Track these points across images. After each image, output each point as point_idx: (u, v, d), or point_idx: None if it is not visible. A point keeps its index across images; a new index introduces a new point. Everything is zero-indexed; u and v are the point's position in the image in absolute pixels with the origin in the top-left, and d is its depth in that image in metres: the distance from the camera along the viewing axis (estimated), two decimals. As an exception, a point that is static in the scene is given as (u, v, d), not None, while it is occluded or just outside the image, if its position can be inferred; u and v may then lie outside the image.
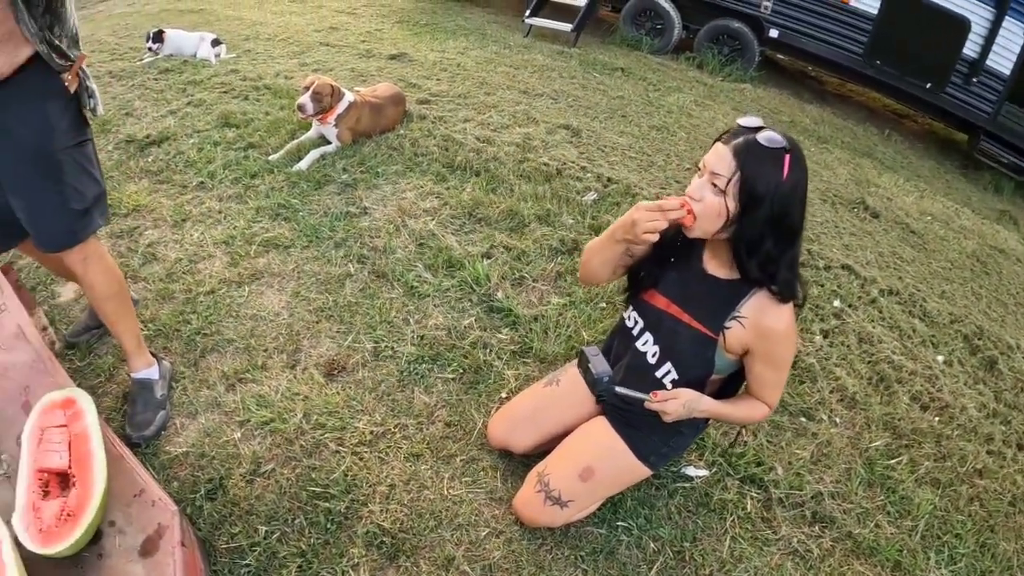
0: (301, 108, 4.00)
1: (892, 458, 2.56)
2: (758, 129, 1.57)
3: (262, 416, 2.34)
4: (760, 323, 1.66)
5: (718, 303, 1.71)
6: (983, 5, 6.98)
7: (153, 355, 2.45)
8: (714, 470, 2.32)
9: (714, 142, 1.62)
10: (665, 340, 1.84)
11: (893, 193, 5.55)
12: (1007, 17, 6.90)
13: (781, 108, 7.14)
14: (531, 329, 2.81)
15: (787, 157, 1.54)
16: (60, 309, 2.87)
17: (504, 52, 7.00)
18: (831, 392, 2.81)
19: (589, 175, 4.19)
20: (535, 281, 3.13)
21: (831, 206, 4.80)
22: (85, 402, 1.87)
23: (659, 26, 8.38)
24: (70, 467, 1.71)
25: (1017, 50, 7.04)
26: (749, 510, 2.23)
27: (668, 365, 1.84)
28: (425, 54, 6.49)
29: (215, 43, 6.16)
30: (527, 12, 8.05)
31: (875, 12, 7.39)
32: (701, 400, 1.78)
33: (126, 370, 2.44)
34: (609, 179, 4.16)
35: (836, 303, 3.43)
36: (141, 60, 5.93)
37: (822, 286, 3.56)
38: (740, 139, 1.55)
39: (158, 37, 6.04)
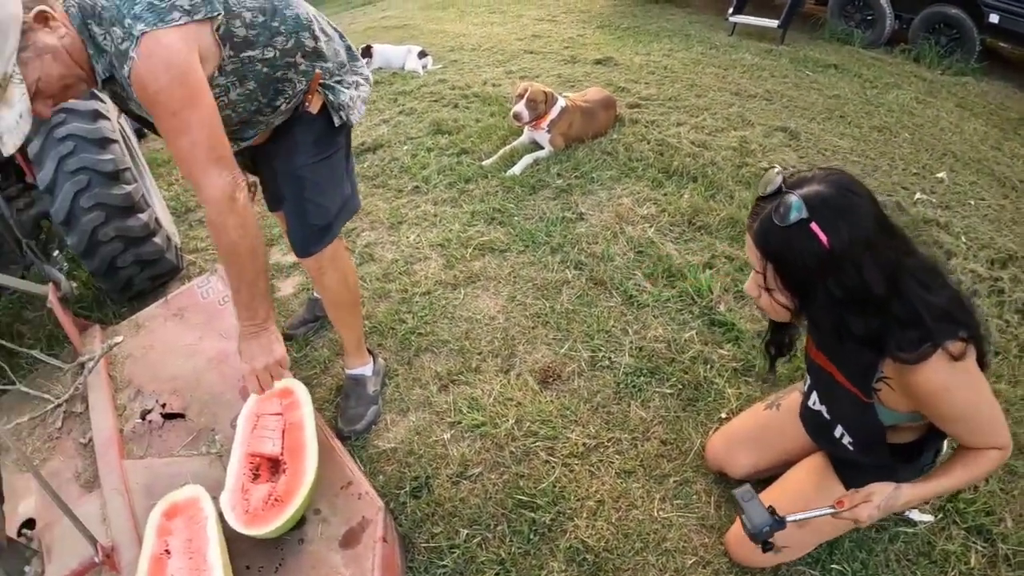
0: (517, 116, 3.99)
1: None
2: (777, 194, 1.28)
3: (474, 419, 2.30)
4: (907, 384, 1.33)
5: (862, 361, 1.41)
6: None
7: (368, 351, 2.47)
8: (939, 516, 2.01)
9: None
10: (827, 400, 1.65)
11: None
12: None
13: (1008, 104, 6.34)
14: (754, 346, 2.59)
15: (814, 226, 1.22)
16: (279, 303, 3.00)
17: (710, 52, 6.76)
18: (1075, 438, 2.35)
19: (811, 181, 3.85)
20: (762, 295, 2.86)
21: (1081, 216, 4.17)
22: (302, 393, 1.92)
23: (869, 17, 7.72)
24: (282, 454, 1.75)
25: None
26: (972, 565, 1.91)
27: (839, 428, 1.63)
28: (630, 57, 6.36)
29: (422, 55, 6.36)
30: (731, 10, 7.75)
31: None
32: (899, 493, 1.45)
33: (341, 365, 2.51)
34: (833, 184, 3.79)
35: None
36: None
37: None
38: (758, 221, 1.30)
39: (366, 52, 6.33)
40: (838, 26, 7.87)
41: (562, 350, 2.59)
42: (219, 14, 1.58)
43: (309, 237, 2.06)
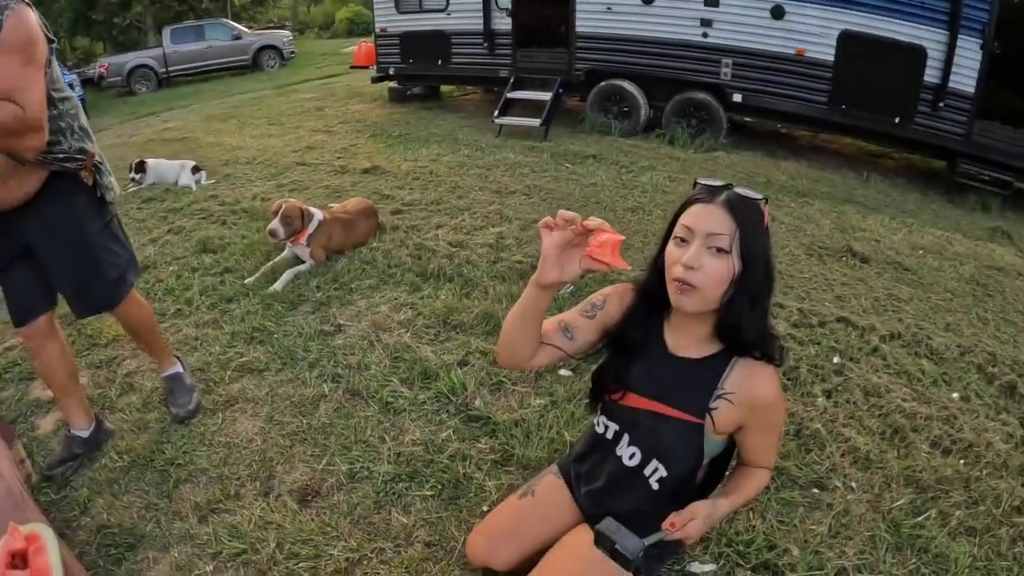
0: (272, 233, 4.08)
1: (919, 515, 2.35)
2: (727, 186, 1.52)
3: (234, 547, 2.27)
4: (750, 395, 1.56)
5: (696, 385, 1.61)
6: (934, 29, 6.99)
7: (175, 356, 3.08)
8: (721, 563, 2.11)
9: (686, 207, 1.53)
10: (645, 440, 1.71)
11: (880, 234, 5.42)
12: (960, 36, 6.88)
13: (756, 170, 7.13)
14: (512, 435, 2.72)
15: (767, 207, 1.51)
16: (39, 441, 2.86)
17: (476, 155, 7.16)
18: (842, 456, 2.62)
19: (566, 265, 4.19)
20: (514, 384, 3.07)
21: (818, 259, 4.70)
22: (48, 538, 1.85)
23: (626, 109, 8.57)
24: None
25: (976, 67, 6.96)
26: (766, 603, 2.09)
27: (654, 463, 1.70)
28: (398, 164, 6.66)
29: (195, 170, 6.35)
30: (496, 112, 8.28)
31: (831, 58, 7.47)
32: (716, 506, 1.62)
33: (156, 373, 3.09)
34: (586, 269, 4.06)
35: (835, 359, 3.28)
36: (125, 191, 6.06)
37: (818, 344, 3.41)
38: (723, 195, 1.49)
39: (140, 167, 6.25)
40: (597, 119, 8.60)
41: (320, 466, 2.62)
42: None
43: (110, 291, 2.57)
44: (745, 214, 1.46)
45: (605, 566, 1.66)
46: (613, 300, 1.74)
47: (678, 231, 1.51)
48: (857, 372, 3.19)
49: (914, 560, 2.17)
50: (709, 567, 2.10)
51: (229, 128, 9.37)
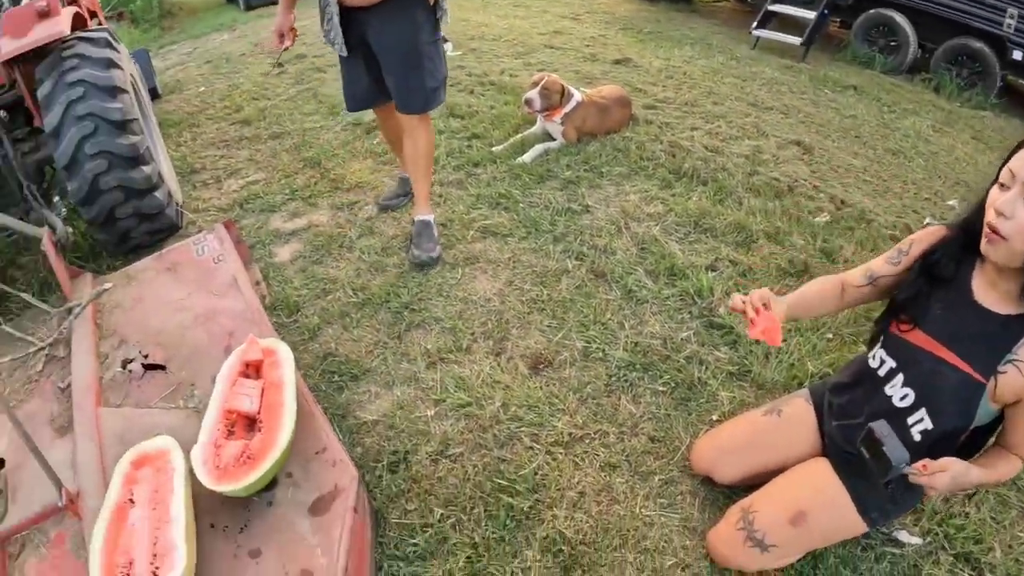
0: (528, 103, 3.97)
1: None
2: None
3: (459, 398, 2.27)
4: None
5: (992, 342, 1.46)
6: None
7: None
8: (928, 539, 1.95)
9: (1018, 148, 1.38)
10: (921, 383, 1.58)
11: None
12: None
13: None
14: (751, 351, 2.53)
15: None
16: (275, 267, 3.00)
17: (731, 63, 6.72)
18: (1065, 468, 2.32)
19: (822, 195, 3.82)
20: (762, 301, 2.83)
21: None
22: (285, 354, 1.88)
23: (893, 43, 7.70)
24: (259, 413, 1.71)
25: None
26: (957, 593, 1.90)
27: (922, 412, 1.58)
28: (650, 60, 6.35)
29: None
30: (754, 24, 7.74)
31: None
32: (969, 472, 1.47)
33: (411, 215, 3.21)
34: (843, 201, 3.77)
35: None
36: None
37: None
38: None
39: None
40: (861, 49, 7.87)
41: (556, 338, 2.55)
42: None
43: (427, 96, 2.80)
44: None
45: (839, 502, 1.68)
46: (920, 245, 1.67)
47: (1003, 175, 1.40)
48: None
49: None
50: (916, 540, 1.95)
51: (473, 5, 9.33)
